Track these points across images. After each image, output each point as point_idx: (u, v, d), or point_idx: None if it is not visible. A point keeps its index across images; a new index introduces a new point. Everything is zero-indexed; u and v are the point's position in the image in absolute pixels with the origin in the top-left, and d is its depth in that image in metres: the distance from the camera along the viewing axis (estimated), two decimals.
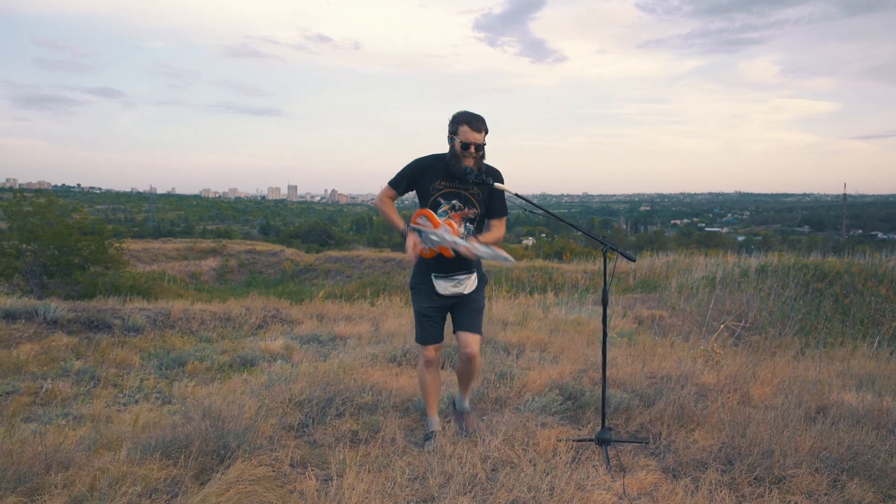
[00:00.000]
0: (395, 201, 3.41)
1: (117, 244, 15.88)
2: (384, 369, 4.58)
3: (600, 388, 3.55)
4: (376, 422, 3.49)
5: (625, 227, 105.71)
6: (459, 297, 3.34)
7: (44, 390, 4.83)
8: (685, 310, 12.47)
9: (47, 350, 6.11)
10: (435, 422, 3.45)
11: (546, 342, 5.58)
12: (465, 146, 3.15)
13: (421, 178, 3.27)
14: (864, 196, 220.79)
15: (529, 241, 58.42)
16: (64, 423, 4.11)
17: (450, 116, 3.27)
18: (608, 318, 3.02)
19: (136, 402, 4.82)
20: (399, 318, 8.19)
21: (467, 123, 3.15)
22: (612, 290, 15.55)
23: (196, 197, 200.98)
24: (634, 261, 2.95)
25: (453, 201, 3.23)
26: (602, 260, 3.08)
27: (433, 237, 3.12)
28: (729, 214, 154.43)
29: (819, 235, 71.38)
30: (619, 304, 12.02)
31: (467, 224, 3.25)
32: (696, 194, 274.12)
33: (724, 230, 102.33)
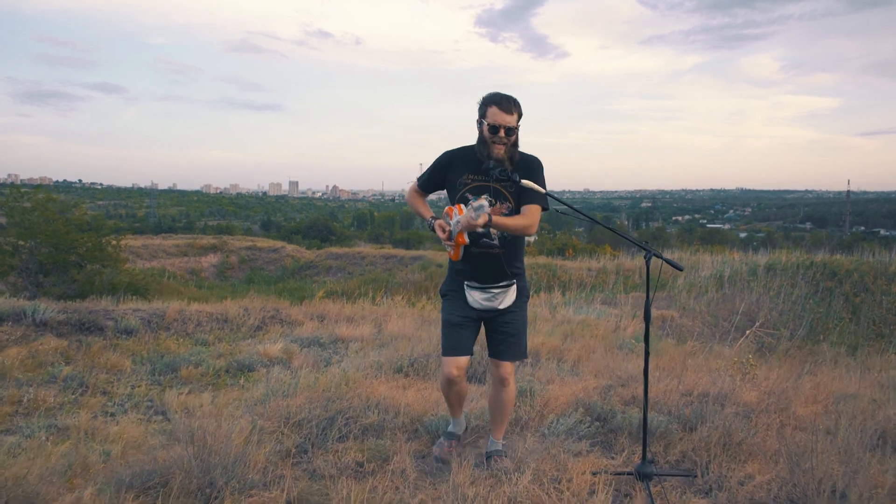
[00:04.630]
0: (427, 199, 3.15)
1: (115, 242, 15.57)
2: (390, 381, 4.26)
3: (632, 409, 3.24)
4: (383, 447, 3.16)
5: (626, 223, 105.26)
6: (494, 313, 2.99)
7: (26, 399, 4.56)
8: (695, 309, 12.18)
9: (35, 354, 5.83)
10: (458, 423, 3.16)
11: (561, 349, 5.26)
12: (494, 129, 2.81)
13: (447, 173, 2.97)
14: (866, 192, 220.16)
15: (531, 237, 58.04)
16: (46, 436, 3.84)
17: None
18: (648, 330, 2.59)
19: (126, 411, 4.55)
20: (402, 318, 7.91)
21: (496, 104, 2.82)
22: (618, 289, 15.26)
23: (197, 193, 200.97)
24: (682, 270, 2.62)
25: (483, 196, 2.86)
26: (643, 268, 2.70)
27: (451, 228, 2.84)
28: (731, 211, 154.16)
29: (822, 232, 71.01)
30: (627, 303, 11.73)
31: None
32: (697, 191, 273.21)
33: (727, 227, 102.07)
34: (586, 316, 9.06)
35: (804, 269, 16.34)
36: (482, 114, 2.87)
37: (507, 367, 3.01)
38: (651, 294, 2.61)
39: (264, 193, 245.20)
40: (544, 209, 2.90)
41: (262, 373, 5.54)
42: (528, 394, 3.86)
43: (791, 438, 3.11)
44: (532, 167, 2.91)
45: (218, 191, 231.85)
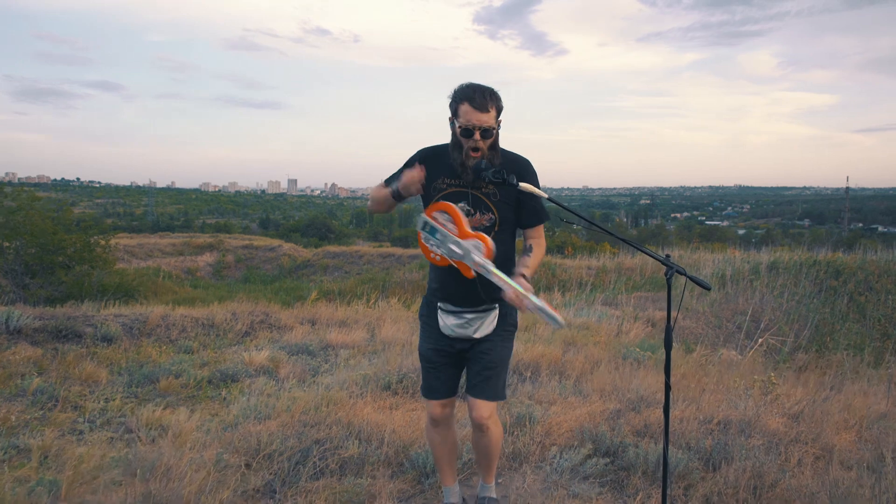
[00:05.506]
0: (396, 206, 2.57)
1: (104, 241, 15.19)
2: (377, 401, 3.92)
3: (644, 440, 2.89)
4: (362, 488, 2.80)
5: (625, 220, 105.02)
6: (469, 343, 2.52)
7: None
8: (697, 310, 11.89)
9: (5, 365, 5.51)
10: (452, 492, 2.70)
11: (563, 362, 4.93)
12: (467, 132, 2.33)
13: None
14: (864, 189, 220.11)
15: None
16: (2, 459, 3.53)
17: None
18: (671, 337, 2.06)
19: (96, 428, 4.24)
20: (396, 323, 7.60)
21: (468, 100, 2.33)
22: (619, 289, 14.97)
23: (196, 191, 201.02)
24: (710, 289, 2.19)
25: (461, 204, 2.42)
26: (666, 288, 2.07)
27: (453, 246, 2.31)
28: (729, 208, 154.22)
29: (820, 229, 70.92)
30: (628, 304, 11.44)
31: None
32: (696, 188, 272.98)
33: (725, 224, 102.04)
34: (587, 318, 8.77)
35: (807, 268, 16.05)
36: (453, 111, 2.39)
37: (484, 409, 2.50)
38: (673, 321, 2.15)
39: (263, 191, 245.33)
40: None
41: (245, 383, 5.24)
42: (528, 420, 3.49)
43: (832, 478, 2.73)
44: (522, 171, 2.44)
45: (216, 189, 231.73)
